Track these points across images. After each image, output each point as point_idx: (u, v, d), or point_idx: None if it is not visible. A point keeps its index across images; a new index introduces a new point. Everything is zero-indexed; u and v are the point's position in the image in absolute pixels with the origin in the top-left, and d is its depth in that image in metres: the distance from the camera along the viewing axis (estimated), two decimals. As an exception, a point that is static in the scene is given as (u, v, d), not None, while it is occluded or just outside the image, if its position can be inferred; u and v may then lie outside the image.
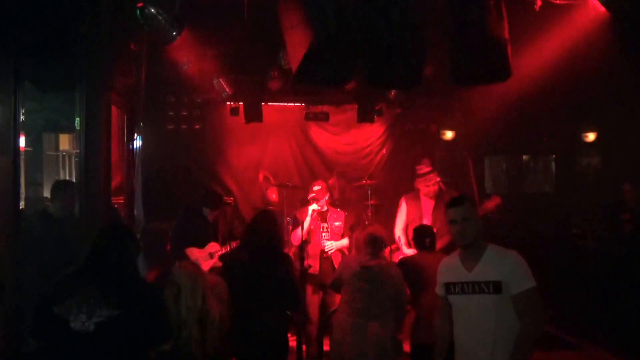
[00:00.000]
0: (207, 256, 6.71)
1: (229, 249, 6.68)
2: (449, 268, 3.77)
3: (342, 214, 6.88)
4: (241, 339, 4.65)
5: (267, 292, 4.69)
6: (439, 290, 3.84)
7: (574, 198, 9.80)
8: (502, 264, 3.46)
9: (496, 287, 3.42)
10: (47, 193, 8.76)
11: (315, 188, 6.87)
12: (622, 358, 6.28)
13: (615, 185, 8.54)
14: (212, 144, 10.14)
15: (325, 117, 10.02)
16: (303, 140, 10.70)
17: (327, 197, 6.90)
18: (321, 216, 6.83)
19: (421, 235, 5.54)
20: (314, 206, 6.68)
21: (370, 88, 8.78)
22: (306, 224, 6.62)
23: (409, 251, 6.52)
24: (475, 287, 3.49)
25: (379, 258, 5.26)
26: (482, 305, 3.47)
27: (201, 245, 6.76)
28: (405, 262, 5.56)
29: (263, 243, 4.80)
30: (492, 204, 6.63)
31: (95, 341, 3.10)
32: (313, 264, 6.65)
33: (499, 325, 3.43)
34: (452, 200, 3.69)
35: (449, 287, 3.69)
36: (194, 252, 6.67)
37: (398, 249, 6.85)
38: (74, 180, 8.23)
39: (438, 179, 6.76)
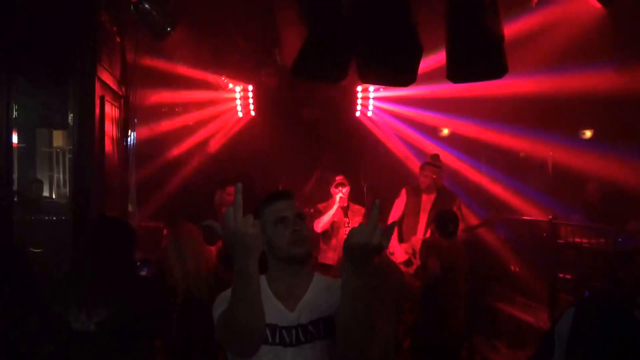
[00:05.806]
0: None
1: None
2: None
3: (362, 210, 6.76)
4: None
5: None
6: None
7: (571, 196, 9.76)
8: (334, 293, 2.23)
9: (327, 326, 2.28)
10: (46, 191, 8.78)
11: (338, 178, 6.88)
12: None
13: (612, 183, 8.50)
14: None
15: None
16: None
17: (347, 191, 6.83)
18: (343, 211, 6.79)
19: (444, 222, 5.50)
20: (340, 194, 6.67)
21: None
22: (332, 211, 6.61)
23: (399, 249, 6.50)
24: (300, 333, 2.28)
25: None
26: (312, 358, 2.27)
27: None
28: (429, 243, 5.52)
29: None
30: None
31: (97, 341, 3.09)
32: (333, 257, 6.60)
33: None
34: (273, 194, 2.48)
35: None
36: None
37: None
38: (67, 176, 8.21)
39: (434, 176, 6.69)
